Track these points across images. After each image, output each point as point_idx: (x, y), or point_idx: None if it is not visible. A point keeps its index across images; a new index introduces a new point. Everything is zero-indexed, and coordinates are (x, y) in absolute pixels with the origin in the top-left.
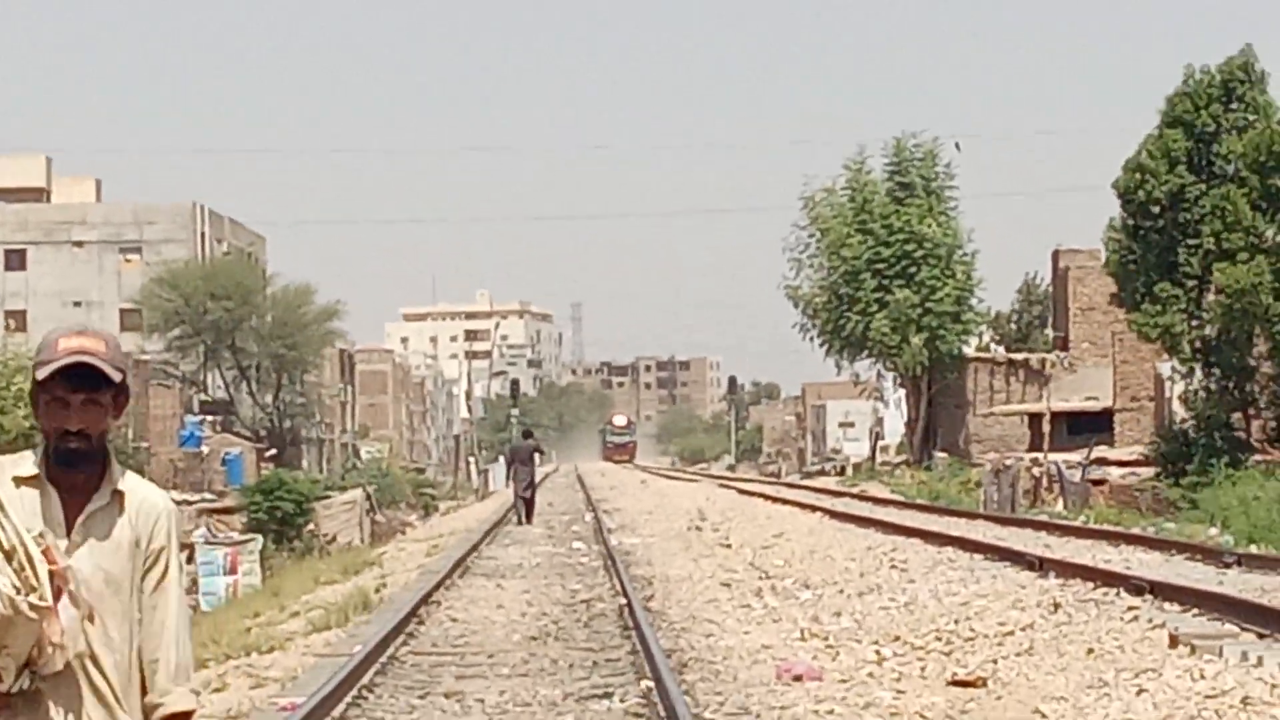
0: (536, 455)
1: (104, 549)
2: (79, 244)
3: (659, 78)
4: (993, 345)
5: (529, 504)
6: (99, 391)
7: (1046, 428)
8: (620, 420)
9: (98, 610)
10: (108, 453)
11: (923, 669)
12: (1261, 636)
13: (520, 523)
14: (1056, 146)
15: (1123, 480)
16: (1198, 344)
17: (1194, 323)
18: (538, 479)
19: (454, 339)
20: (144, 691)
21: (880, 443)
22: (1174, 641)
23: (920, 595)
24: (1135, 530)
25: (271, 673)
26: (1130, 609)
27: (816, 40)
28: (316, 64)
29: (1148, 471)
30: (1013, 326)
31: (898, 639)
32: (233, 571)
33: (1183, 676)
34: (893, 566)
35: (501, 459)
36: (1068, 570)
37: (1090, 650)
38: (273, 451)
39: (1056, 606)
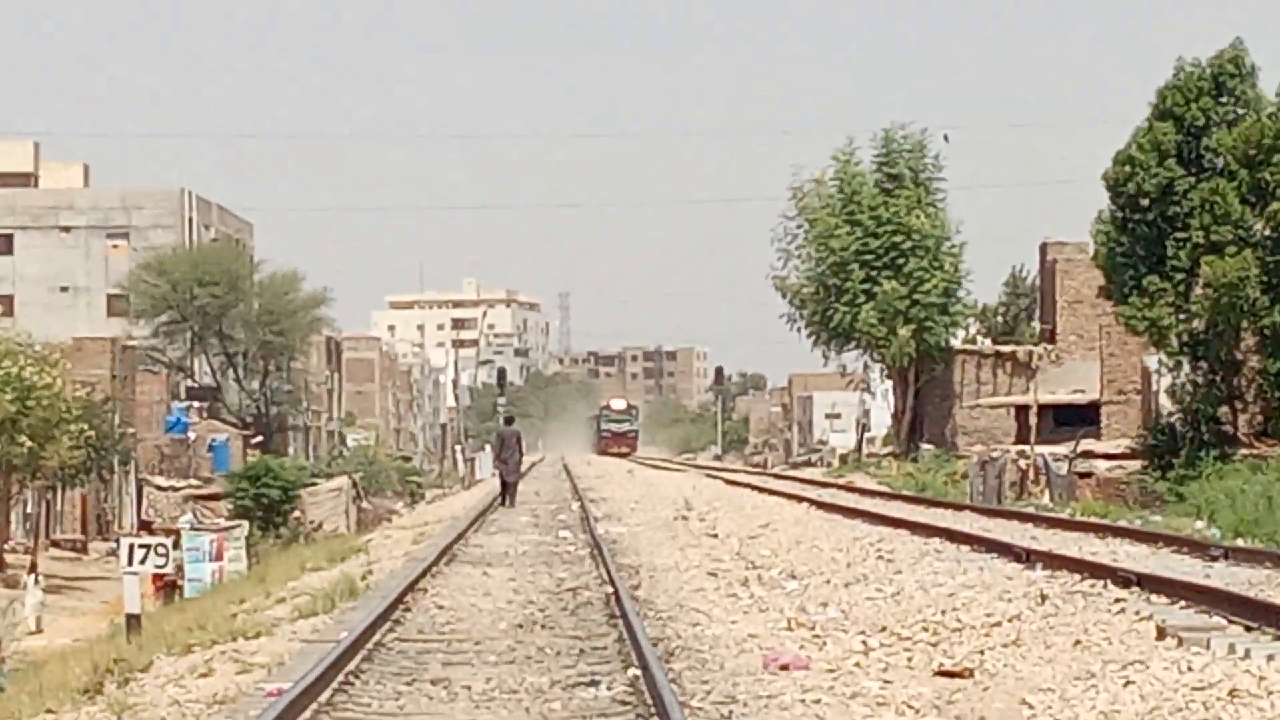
0: (521, 441)
1: None
2: (66, 229)
3: (647, 66)
4: (980, 337)
5: (513, 487)
6: None
7: (1033, 420)
8: (619, 404)
9: None
10: None
11: (909, 659)
12: (1249, 629)
13: (504, 504)
14: (1045, 139)
15: (1109, 473)
16: (1185, 337)
17: (1182, 316)
18: (522, 465)
19: (441, 327)
20: None
21: (867, 434)
22: (1161, 633)
23: (907, 586)
24: (1122, 523)
25: (258, 658)
26: (1117, 601)
27: (806, 30)
28: (305, 50)
29: (1134, 465)
30: (1000, 319)
31: (884, 629)
32: (219, 557)
33: (1170, 668)
34: (879, 557)
35: (488, 447)
36: (1055, 562)
37: (1077, 642)
38: (259, 438)
39: (1043, 598)
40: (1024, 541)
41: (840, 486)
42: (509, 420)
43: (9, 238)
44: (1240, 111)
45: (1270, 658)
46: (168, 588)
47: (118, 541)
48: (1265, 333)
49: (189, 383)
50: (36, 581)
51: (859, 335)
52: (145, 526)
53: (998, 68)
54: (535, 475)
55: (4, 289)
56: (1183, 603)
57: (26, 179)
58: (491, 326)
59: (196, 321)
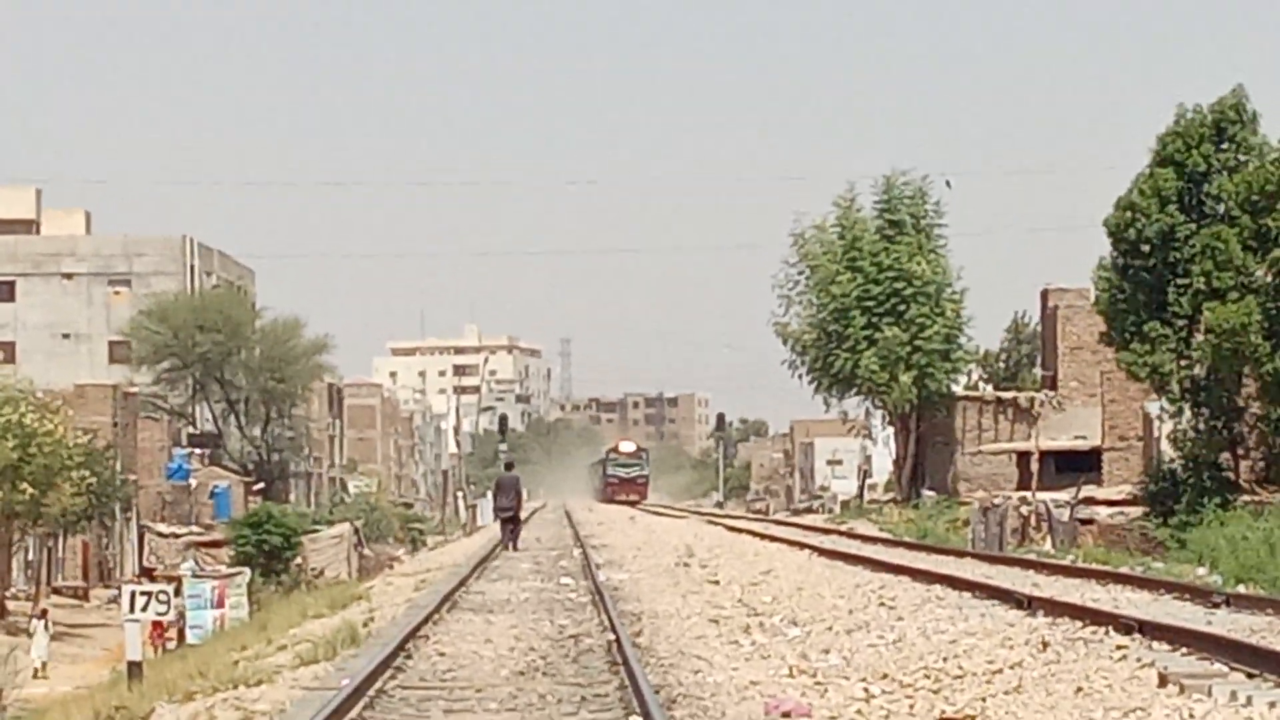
0: (520, 486)
1: None
2: (68, 276)
3: (649, 112)
4: (981, 384)
5: (515, 531)
6: None
7: (1035, 466)
8: (628, 447)
9: None
10: None
11: (911, 707)
12: (1250, 676)
13: (507, 549)
14: (1046, 185)
15: (1111, 520)
16: (1187, 383)
17: (1183, 362)
18: (521, 511)
19: (442, 374)
20: None
21: (868, 480)
22: (1163, 681)
23: (909, 633)
24: (1124, 569)
25: (259, 706)
26: (1119, 648)
27: (807, 77)
28: (306, 97)
29: (1136, 511)
30: (1001, 365)
31: (886, 676)
32: (220, 604)
33: (1171, 716)
34: (881, 604)
35: (490, 494)
36: (1056, 609)
37: (1079, 689)
38: (261, 485)
39: (1045, 645)
40: (1025, 588)
41: (842, 533)
42: (509, 466)
43: (11, 285)
44: (1241, 158)
45: (1272, 705)
46: (165, 634)
47: (119, 588)
48: (1267, 379)
49: (190, 429)
50: (46, 627)
51: (860, 381)
52: (147, 573)
53: (999, 114)
54: (536, 522)
55: (6, 336)
56: (1184, 650)
57: (28, 226)
58: (493, 373)
59: (198, 368)
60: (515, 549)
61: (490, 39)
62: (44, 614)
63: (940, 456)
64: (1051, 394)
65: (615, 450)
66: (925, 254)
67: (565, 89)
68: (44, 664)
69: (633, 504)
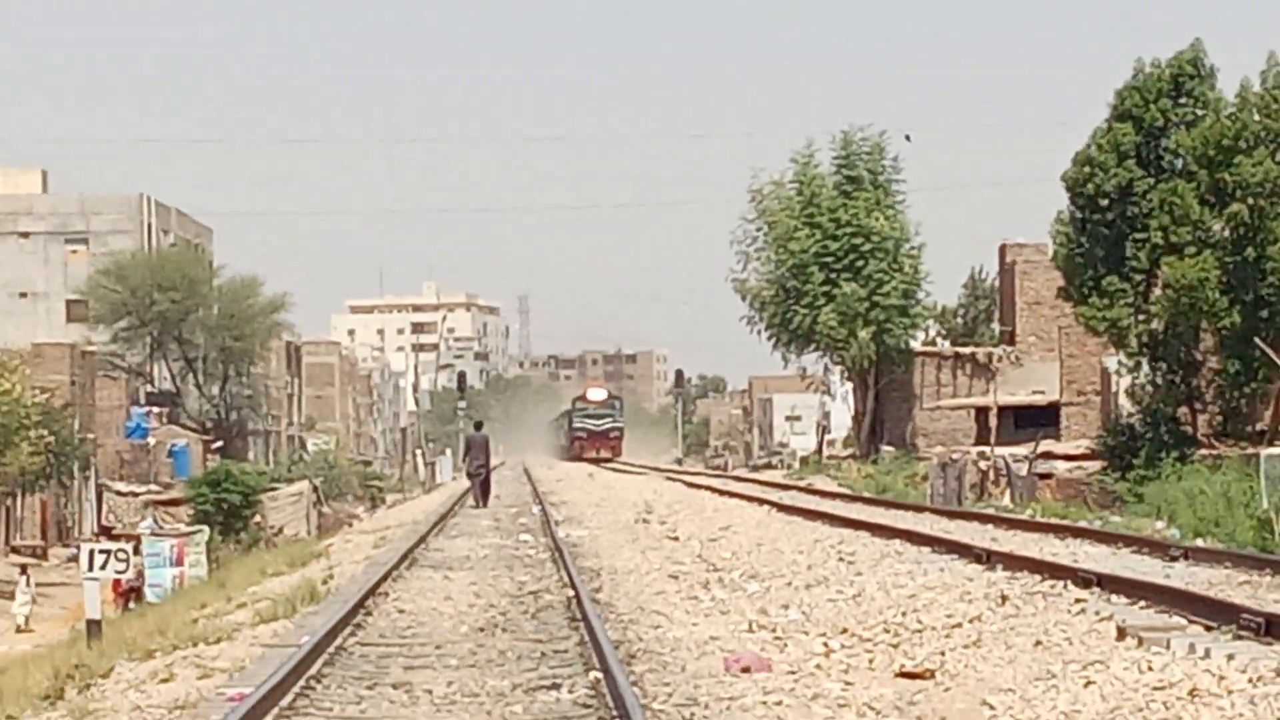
0: (489, 446)
1: None
2: (25, 235)
3: (607, 69)
4: (939, 339)
5: (485, 488)
6: None
7: (993, 421)
8: (598, 394)
9: None
10: None
11: (870, 661)
12: (1209, 629)
13: (476, 506)
14: (1004, 140)
15: (1069, 474)
16: (1144, 338)
17: (1141, 317)
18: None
19: (401, 331)
20: None
21: (827, 436)
22: (1121, 634)
23: (868, 588)
24: (1082, 524)
25: (219, 663)
26: (1077, 601)
27: (765, 32)
28: (263, 54)
29: (1094, 465)
30: (959, 320)
31: (845, 631)
32: (179, 563)
33: (1130, 668)
34: (840, 559)
35: (449, 451)
36: (1015, 563)
37: (1038, 642)
38: (219, 443)
39: (1004, 599)
40: (984, 543)
41: (801, 489)
42: (478, 426)
43: None
44: (1199, 113)
45: (1230, 657)
46: (129, 594)
47: (78, 547)
48: (1224, 333)
49: (149, 388)
50: (28, 583)
51: (819, 337)
52: (105, 532)
53: (958, 69)
54: (494, 479)
55: None
56: (1143, 603)
57: None
58: (451, 330)
59: (156, 327)
60: (486, 505)
61: None
62: (24, 570)
63: (899, 412)
64: (1009, 349)
65: (583, 399)
66: (883, 209)
67: (525, 46)
68: (27, 619)
69: (602, 461)
